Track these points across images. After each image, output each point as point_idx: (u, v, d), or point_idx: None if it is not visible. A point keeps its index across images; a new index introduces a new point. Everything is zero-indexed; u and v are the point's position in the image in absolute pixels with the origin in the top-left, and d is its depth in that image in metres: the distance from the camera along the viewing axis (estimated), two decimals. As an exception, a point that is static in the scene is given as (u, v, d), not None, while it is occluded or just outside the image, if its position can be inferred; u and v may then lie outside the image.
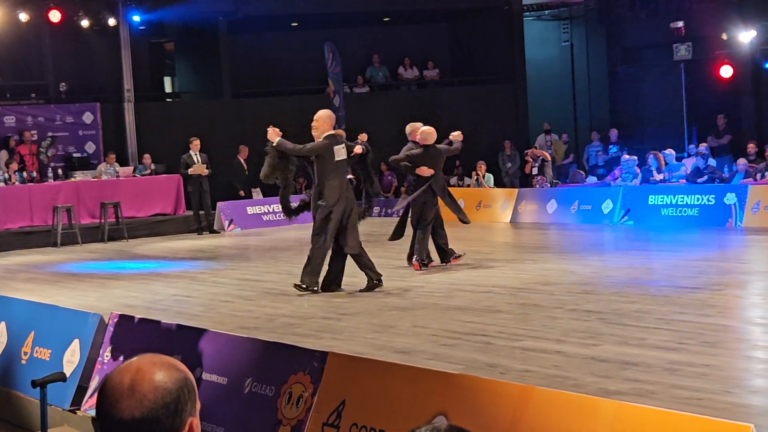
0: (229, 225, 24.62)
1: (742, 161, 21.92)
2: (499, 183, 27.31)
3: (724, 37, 25.12)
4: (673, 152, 23.95)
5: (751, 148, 22.35)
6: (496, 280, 13.63)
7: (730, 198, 19.82)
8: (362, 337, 10.02)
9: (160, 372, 2.44)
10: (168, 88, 32.41)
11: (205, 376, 6.96)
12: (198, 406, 2.50)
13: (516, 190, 24.19)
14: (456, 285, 13.30)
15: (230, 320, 11.41)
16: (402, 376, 5.77)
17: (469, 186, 26.24)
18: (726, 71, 25.13)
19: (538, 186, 24.99)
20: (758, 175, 21.48)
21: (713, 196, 20.24)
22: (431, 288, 13.16)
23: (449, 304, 11.71)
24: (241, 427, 6.51)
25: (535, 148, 26.99)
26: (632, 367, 8.00)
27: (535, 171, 25.49)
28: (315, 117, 13.95)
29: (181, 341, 7.33)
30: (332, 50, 27.85)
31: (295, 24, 30.41)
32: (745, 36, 24.68)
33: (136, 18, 26.86)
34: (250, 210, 25.35)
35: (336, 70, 28.00)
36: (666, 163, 23.56)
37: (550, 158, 26.22)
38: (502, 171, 28.14)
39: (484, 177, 26.12)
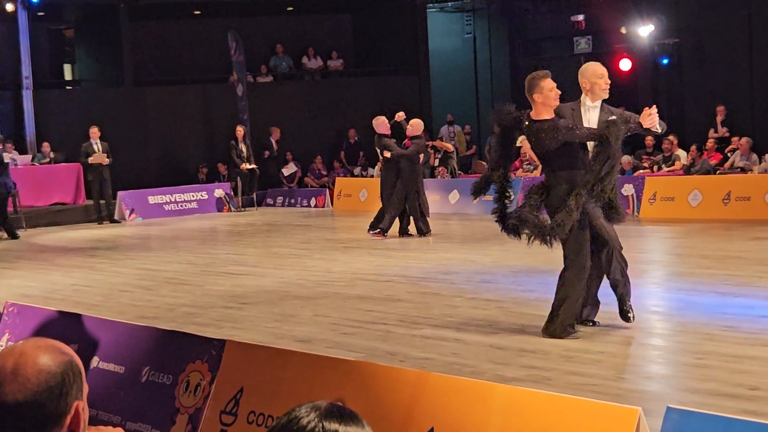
0: (130, 214, 24.36)
1: (636, 153, 22.31)
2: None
3: (624, 30, 25.52)
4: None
5: (649, 140, 22.74)
6: (397, 269, 13.69)
7: (628, 189, 20.16)
8: (263, 326, 10.00)
9: (44, 355, 2.41)
10: (68, 76, 31.90)
11: (102, 365, 6.89)
12: (85, 389, 2.48)
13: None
14: (358, 274, 13.33)
15: (130, 310, 11.30)
16: (299, 364, 5.78)
17: (372, 177, 26.31)
18: (625, 64, 25.53)
19: (439, 177, 25.18)
20: (655, 167, 21.88)
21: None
22: (333, 277, 13.18)
23: (350, 293, 11.74)
24: (138, 415, 6.46)
25: (440, 139, 27.15)
26: (529, 354, 8.12)
27: (436, 162, 25.69)
28: None
29: (78, 330, 7.24)
30: (236, 39, 27.68)
31: (198, 12, 30.14)
32: (644, 30, 25.10)
33: (35, 3, 26.36)
34: (151, 199, 25.12)
35: (239, 58, 27.84)
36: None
37: (453, 149, 26.42)
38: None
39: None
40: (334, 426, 2.15)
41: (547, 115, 8.76)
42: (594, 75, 9.02)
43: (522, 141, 8.71)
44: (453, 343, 8.74)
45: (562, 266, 8.92)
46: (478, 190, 9.26)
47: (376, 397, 5.16)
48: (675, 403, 4.92)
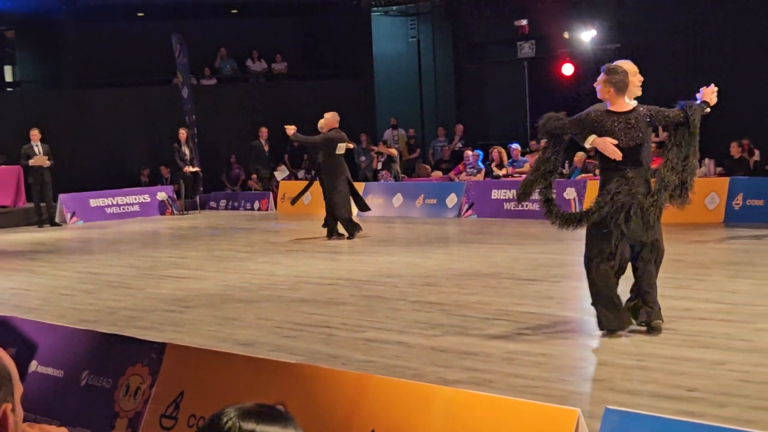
0: (71, 217, 24.13)
1: (578, 156, 22.45)
2: (352, 176, 27.38)
3: (566, 35, 25.71)
4: (518, 147, 24.45)
5: (591, 144, 22.87)
6: (341, 272, 13.68)
7: (570, 192, 20.31)
8: (205, 330, 9.95)
9: None
10: (8, 77, 31.51)
11: (41, 369, 6.81)
12: (18, 391, 2.44)
13: (363, 184, 24.31)
14: (301, 277, 13.31)
15: (70, 313, 11.19)
16: (241, 367, 5.75)
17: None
18: (567, 69, 25.74)
19: (383, 180, 25.22)
20: (596, 171, 22.03)
21: (554, 191, 20.67)
22: (276, 280, 13.14)
23: (293, 297, 11.72)
24: (77, 419, 6.40)
25: (383, 143, 27.19)
26: (471, 357, 8.14)
27: (379, 166, 25.73)
28: None
29: (15, 334, 7.16)
30: (180, 41, 27.53)
31: (141, 14, 29.95)
32: (586, 35, 25.31)
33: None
34: (93, 202, 24.91)
35: (183, 61, 27.69)
36: (509, 158, 24.03)
37: (396, 154, 26.47)
38: (357, 164, 28.23)
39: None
40: (251, 426, 2.16)
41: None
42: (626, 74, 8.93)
43: (595, 140, 8.63)
44: (395, 346, 8.75)
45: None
46: (524, 195, 9.23)
47: (318, 400, 5.15)
48: (615, 405, 4.96)
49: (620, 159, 8.67)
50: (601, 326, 8.88)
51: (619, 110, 8.78)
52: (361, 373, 5.84)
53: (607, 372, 7.85)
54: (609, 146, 8.60)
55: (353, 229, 17.85)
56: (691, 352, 7.98)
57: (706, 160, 20.84)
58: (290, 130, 17.90)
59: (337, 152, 17.73)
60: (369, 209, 19.20)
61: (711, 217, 18.21)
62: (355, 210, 18.52)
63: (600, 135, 8.70)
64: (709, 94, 8.85)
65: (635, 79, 9.07)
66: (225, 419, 2.17)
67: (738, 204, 18.14)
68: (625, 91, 8.81)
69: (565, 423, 4.10)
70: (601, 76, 8.82)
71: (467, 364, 7.89)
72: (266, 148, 27.02)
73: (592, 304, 8.95)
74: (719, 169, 20.58)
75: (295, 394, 5.24)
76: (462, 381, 7.25)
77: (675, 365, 7.58)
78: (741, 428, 4.19)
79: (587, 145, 8.76)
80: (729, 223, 17.75)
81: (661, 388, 6.95)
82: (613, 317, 8.83)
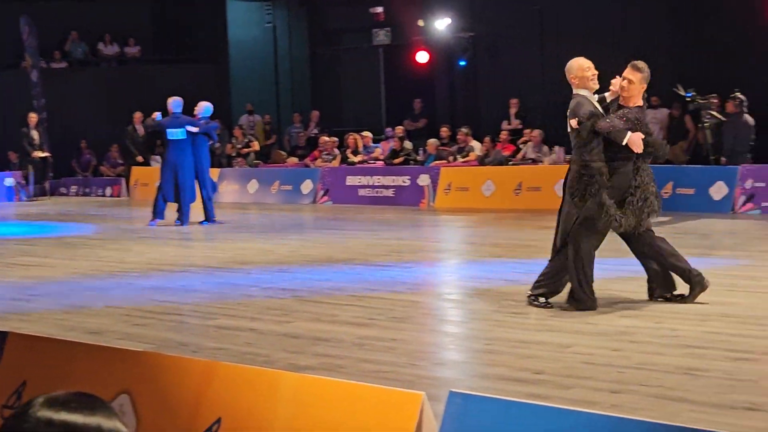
0: None
1: (431, 143, 22.68)
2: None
3: (421, 23, 25.88)
4: (371, 134, 24.55)
5: (444, 131, 23.15)
6: (194, 259, 13.56)
7: (424, 179, 20.51)
8: (52, 318, 9.72)
9: None
10: None
11: None
12: None
13: (218, 170, 24.10)
14: (153, 264, 13.12)
15: None
16: (85, 356, 5.64)
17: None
18: (422, 57, 25.93)
19: (237, 167, 25.06)
20: (451, 158, 22.29)
21: (408, 177, 20.89)
22: (127, 267, 12.93)
23: (144, 284, 11.54)
24: None
25: (239, 128, 27.00)
26: (323, 343, 8.14)
27: (234, 153, 25.56)
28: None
29: None
30: (28, 23, 26.85)
31: (-11, -5, 29.11)
32: (441, 23, 25.52)
33: None
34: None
35: (32, 44, 27.03)
36: (364, 146, 24.11)
37: (258, 148, 26.33)
38: (211, 150, 27.91)
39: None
40: (48, 414, 2.12)
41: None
42: (580, 69, 9.22)
43: (631, 137, 8.88)
44: (247, 332, 8.69)
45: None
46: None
47: (164, 388, 5.08)
48: (464, 389, 5.02)
49: (641, 152, 9.00)
50: (578, 308, 9.02)
51: (641, 105, 9.21)
52: (207, 360, 5.79)
53: (458, 356, 7.95)
54: (639, 141, 8.91)
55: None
56: (538, 336, 8.12)
57: (556, 147, 21.26)
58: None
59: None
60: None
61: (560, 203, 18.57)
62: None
63: (635, 131, 8.97)
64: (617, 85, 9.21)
65: (589, 74, 9.27)
66: (31, 409, 2.11)
67: (587, 190, 18.53)
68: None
69: (410, 406, 4.12)
70: (635, 74, 9.05)
71: (319, 350, 7.88)
72: (141, 133, 26.35)
73: (576, 290, 9.07)
74: (568, 156, 20.98)
75: (140, 383, 5.16)
76: (313, 367, 7.25)
77: (523, 349, 7.71)
78: (583, 409, 4.28)
79: (623, 143, 8.89)
80: (578, 209, 18.12)
81: (509, 371, 7.06)
82: (592, 301, 9.06)
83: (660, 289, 9.30)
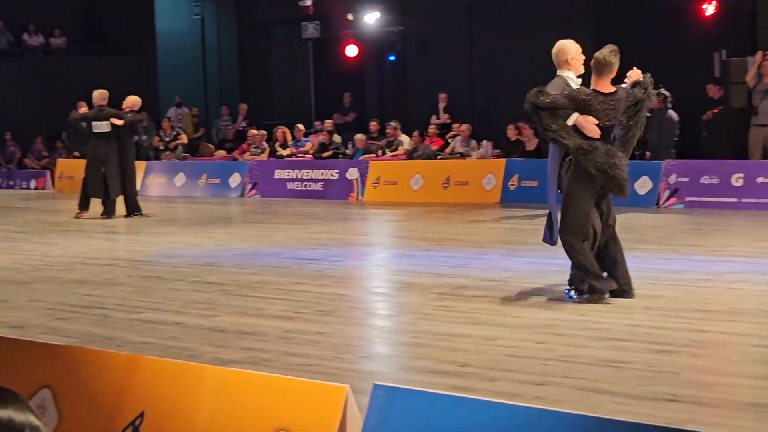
0: None
1: (359, 137, 22.70)
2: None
3: (350, 17, 25.85)
4: (302, 127, 24.48)
5: (374, 125, 23.18)
6: (119, 252, 13.43)
7: (353, 173, 20.51)
8: (-28, 313, 9.58)
9: None
10: None
11: None
12: None
13: (144, 163, 23.90)
14: (77, 258, 12.98)
15: None
16: (6, 350, 5.56)
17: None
18: (351, 50, 25.91)
19: (165, 159, 24.86)
20: (379, 152, 22.32)
21: (337, 171, 20.88)
22: (50, 261, 12.78)
23: (68, 278, 11.41)
24: None
25: (167, 120, 26.80)
26: (249, 337, 8.11)
27: (161, 146, 25.37)
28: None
29: None
30: (-50, 13, 26.42)
31: None
32: (370, 17, 25.52)
33: None
34: None
35: (-46, 34, 26.59)
36: (295, 139, 24.05)
37: (185, 137, 26.14)
38: (138, 143, 27.65)
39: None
40: None
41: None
42: (578, 52, 9.31)
43: (577, 118, 8.75)
44: (173, 326, 8.63)
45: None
46: None
47: (87, 382, 5.03)
48: (390, 382, 5.03)
49: (598, 137, 8.89)
50: (591, 296, 8.95)
51: (604, 91, 9.04)
52: (130, 354, 5.73)
53: (385, 350, 7.97)
54: (590, 124, 8.82)
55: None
56: (464, 329, 8.16)
57: (484, 142, 21.38)
58: None
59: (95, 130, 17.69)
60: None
61: (488, 197, 18.72)
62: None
63: (583, 114, 8.90)
64: (635, 75, 9.20)
65: (580, 57, 9.35)
66: None
67: (513, 185, 18.70)
68: (604, 73, 9.02)
69: (334, 399, 4.13)
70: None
71: (244, 344, 7.85)
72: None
73: (582, 278, 9.02)
74: (496, 151, 21.15)
75: (62, 377, 5.11)
76: (239, 361, 7.21)
77: (449, 341, 7.73)
78: (508, 402, 4.31)
79: (569, 123, 8.82)
80: (505, 203, 18.29)
81: (435, 364, 7.08)
82: (603, 284, 8.97)
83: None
